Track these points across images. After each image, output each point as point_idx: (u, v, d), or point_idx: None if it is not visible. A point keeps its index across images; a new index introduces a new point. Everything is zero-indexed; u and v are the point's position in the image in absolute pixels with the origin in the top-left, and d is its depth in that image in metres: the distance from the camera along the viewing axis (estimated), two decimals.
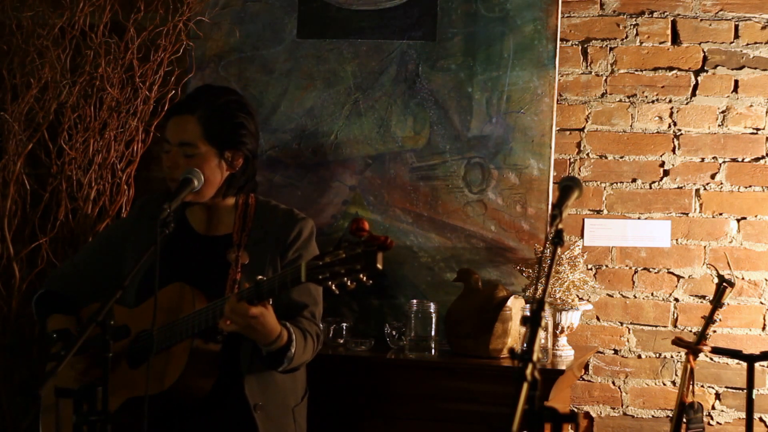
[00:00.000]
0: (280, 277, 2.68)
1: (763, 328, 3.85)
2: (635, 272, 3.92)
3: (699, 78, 3.90)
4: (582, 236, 3.94)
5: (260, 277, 2.71)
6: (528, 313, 2.06)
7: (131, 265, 2.81)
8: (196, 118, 2.94)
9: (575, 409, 3.94)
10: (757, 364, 3.46)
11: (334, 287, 2.57)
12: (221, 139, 2.96)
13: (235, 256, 2.95)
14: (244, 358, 2.91)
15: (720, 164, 3.88)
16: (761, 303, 3.85)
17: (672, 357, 3.89)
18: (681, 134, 3.91)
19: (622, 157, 3.94)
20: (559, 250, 2.17)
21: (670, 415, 3.63)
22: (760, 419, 3.82)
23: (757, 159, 3.87)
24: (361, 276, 2.52)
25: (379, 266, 2.50)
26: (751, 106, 3.87)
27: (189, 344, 2.81)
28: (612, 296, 3.93)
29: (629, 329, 3.92)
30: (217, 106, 2.97)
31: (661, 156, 3.92)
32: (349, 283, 2.54)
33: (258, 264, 2.92)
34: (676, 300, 3.90)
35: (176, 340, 2.83)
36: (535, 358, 1.95)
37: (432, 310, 3.57)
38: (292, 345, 2.81)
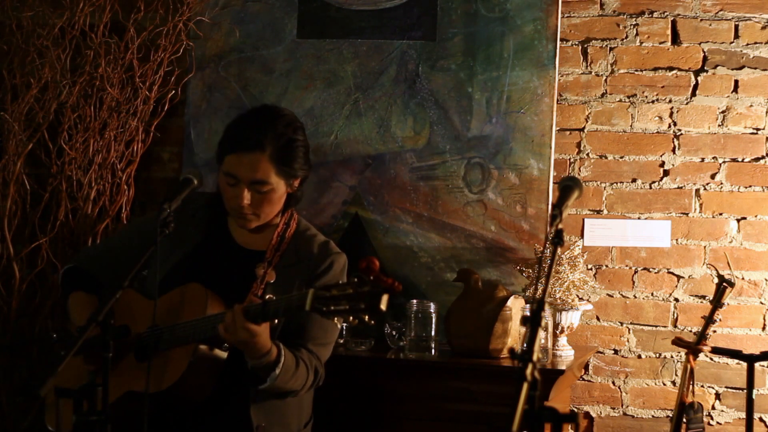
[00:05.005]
0: (286, 300, 2.69)
1: (763, 328, 3.85)
2: (635, 272, 3.92)
3: (699, 78, 3.90)
4: (582, 236, 3.94)
5: (269, 296, 2.73)
6: (528, 313, 2.06)
7: (164, 257, 2.81)
8: (267, 157, 2.94)
9: (575, 409, 3.94)
10: (757, 364, 3.46)
11: (336, 321, 2.59)
12: (291, 171, 3.00)
13: (263, 272, 2.95)
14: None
15: (720, 164, 3.88)
16: (761, 303, 3.85)
17: (672, 357, 3.89)
18: (681, 134, 3.91)
19: (622, 157, 3.94)
20: (559, 250, 2.17)
21: (670, 415, 3.63)
22: (760, 419, 3.82)
23: (757, 159, 3.87)
24: (364, 315, 2.54)
25: (383, 308, 2.51)
26: (751, 106, 3.87)
27: (193, 348, 2.82)
28: (612, 296, 3.93)
29: (629, 329, 3.92)
30: (285, 141, 2.97)
31: (661, 156, 3.92)
32: (351, 320, 2.56)
33: (284, 285, 2.91)
34: (676, 300, 3.90)
35: (180, 342, 2.83)
36: (535, 358, 1.95)
37: (432, 310, 3.57)
38: (278, 366, 2.81)
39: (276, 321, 2.77)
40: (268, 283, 2.91)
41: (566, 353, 3.64)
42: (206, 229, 3.09)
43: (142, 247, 3.03)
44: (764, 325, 3.85)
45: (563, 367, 3.46)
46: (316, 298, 2.59)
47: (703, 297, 3.85)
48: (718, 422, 3.86)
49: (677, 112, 3.91)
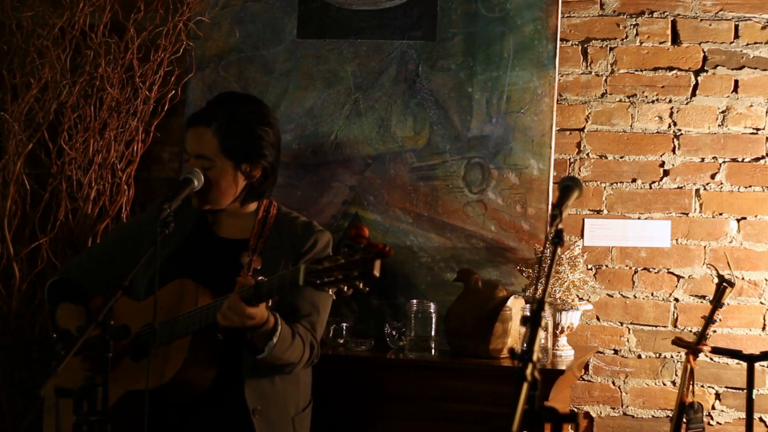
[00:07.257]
0: (279, 279, 2.69)
1: (763, 328, 3.85)
2: (635, 272, 3.92)
3: (699, 78, 3.90)
4: (582, 236, 3.94)
5: (261, 277, 2.73)
6: (528, 313, 2.06)
7: (152, 258, 2.83)
8: (212, 132, 2.96)
9: (575, 409, 3.94)
10: (757, 364, 3.46)
11: (331, 292, 2.59)
12: (238, 153, 2.98)
13: (249, 259, 2.96)
14: (246, 362, 2.92)
15: (720, 164, 3.88)
16: (761, 303, 3.85)
17: (672, 357, 3.89)
18: (681, 134, 3.91)
19: (622, 157, 3.94)
20: (559, 250, 2.17)
21: (670, 415, 3.63)
22: (760, 419, 3.82)
23: (757, 159, 3.87)
24: (358, 283, 2.53)
25: (376, 273, 2.51)
26: (751, 106, 3.87)
27: (189, 340, 2.83)
28: (612, 296, 3.93)
29: (629, 329, 3.92)
30: (234, 119, 2.98)
31: (661, 156, 3.92)
32: (345, 289, 2.56)
33: (270, 270, 2.91)
34: (676, 300, 3.90)
35: (177, 335, 2.84)
36: (535, 358, 1.95)
37: (432, 310, 3.57)
38: (275, 335, 2.81)
39: (270, 302, 2.78)
40: (255, 270, 2.92)
41: (566, 353, 3.64)
42: (189, 227, 3.09)
43: (135, 249, 3.05)
44: (764, 325, 3.85)
45: (563, 367, 3.46)
46: (309, 272, 2.59)
47: (703, 297, 3.85)
48: (718, 422, 3.86)
49: (677, 112, 3.91)
